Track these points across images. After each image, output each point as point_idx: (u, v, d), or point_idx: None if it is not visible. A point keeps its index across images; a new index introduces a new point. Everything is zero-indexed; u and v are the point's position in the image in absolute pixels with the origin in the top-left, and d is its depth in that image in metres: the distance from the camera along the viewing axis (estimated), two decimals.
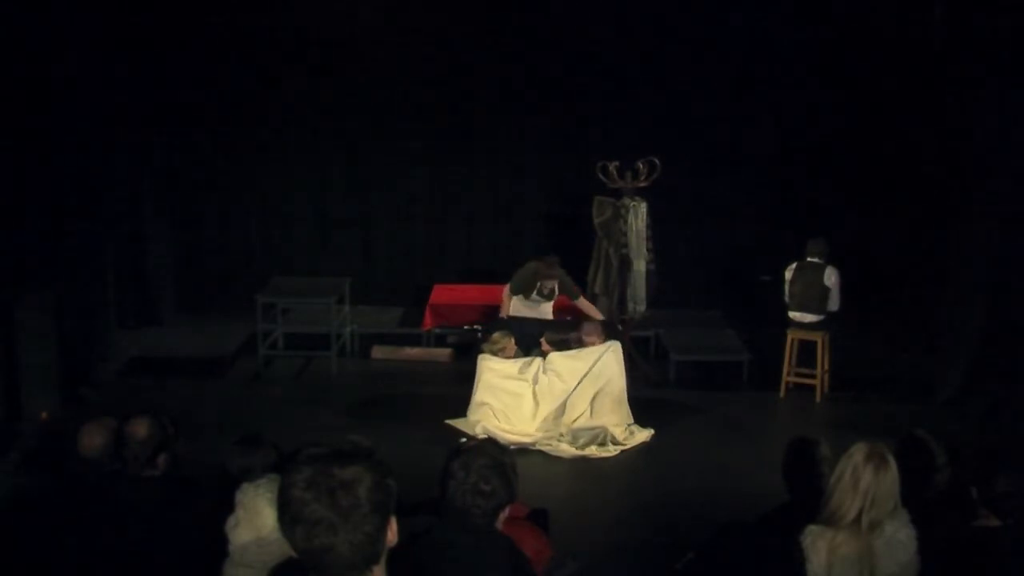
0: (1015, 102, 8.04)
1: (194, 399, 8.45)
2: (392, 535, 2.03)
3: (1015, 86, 8.01)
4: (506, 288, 8.79)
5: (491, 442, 3.42)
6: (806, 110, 10.51)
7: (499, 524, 3.13)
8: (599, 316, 8.66)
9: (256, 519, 3.17)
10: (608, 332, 8.33)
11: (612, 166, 8.97)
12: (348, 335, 10.21)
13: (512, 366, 8.05)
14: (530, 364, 8.07)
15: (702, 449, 7.83)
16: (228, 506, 3.28)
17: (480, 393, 7.92)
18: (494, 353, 8.07)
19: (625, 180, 8.98)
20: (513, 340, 8.17)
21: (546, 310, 8.81)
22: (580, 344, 8.15)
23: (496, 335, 8.22)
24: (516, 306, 8.73)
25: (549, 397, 7.95)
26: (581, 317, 8.70)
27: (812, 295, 8.66)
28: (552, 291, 8.60)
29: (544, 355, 8.15)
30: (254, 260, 11.03)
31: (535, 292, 8.60)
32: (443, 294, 10.36)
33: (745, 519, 4.28)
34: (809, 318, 8.75)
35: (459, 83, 10.78)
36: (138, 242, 10.50)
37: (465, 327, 10.24)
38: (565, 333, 8.44)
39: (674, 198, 9.99)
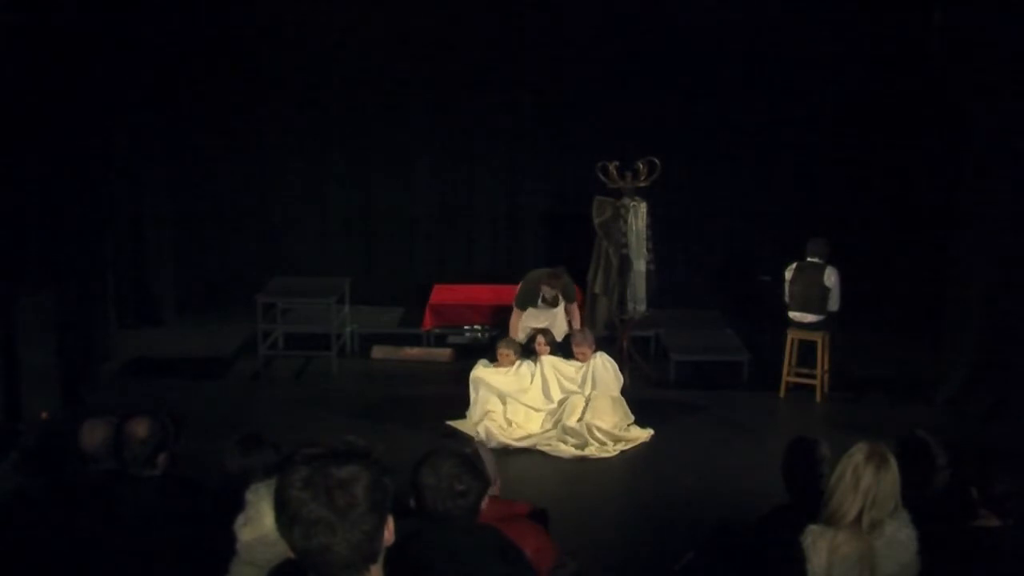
0: (1014, 105, 8.03)
1: (194, 399, 8.44)
2: (389, 534, 2.03)
3: (1013, 90, 8.01)
4: (514, 314, 8.67)
5: (452, 440, 3.47)
6: (806, 111, 10.52)
7: (483, 508, 3.17)
8: (577, 324, 8.66)
9: (262, 519, 3.16)
10: (598, 341, 8.39)
11: (612, 166, 8.97)
12: (348, 335, 10.21)
13: (508, 372, 8.08)
14: (526, 368, 8.11)
15: (702, 449, 7.83)
16: (228, 506, 3.28)
17: (481, 403, 7.94)
18: (498, 355, 8.12)
19: (625, 180, 8.97)
20: (515, 350, 8.19)
21: (560, 321, 8.81)
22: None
23: (501, 340, 8.27)
24: (530, 315, 8.69)
25: (547, 399, 7.99)
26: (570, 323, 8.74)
27: (812, 295, 8.65)
28: (556, 298, 8.62)
29: (539, 356, 8.19)
30: (254, 260, 11.02)
31: (540, 300, 8.61)
32: (443, 294, 10.36)
33: (745, 519, 4.28)
34: (809, 318, 8.74)
35: (459, 83, 10.78)
36: (138, 242, 10.50)
37: (465, 327, 10.25)
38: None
39: (674, 198, 9.98)
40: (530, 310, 8.64)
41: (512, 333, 8.54)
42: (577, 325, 8.63)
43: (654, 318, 9.67)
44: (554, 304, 8.62)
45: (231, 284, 10.81)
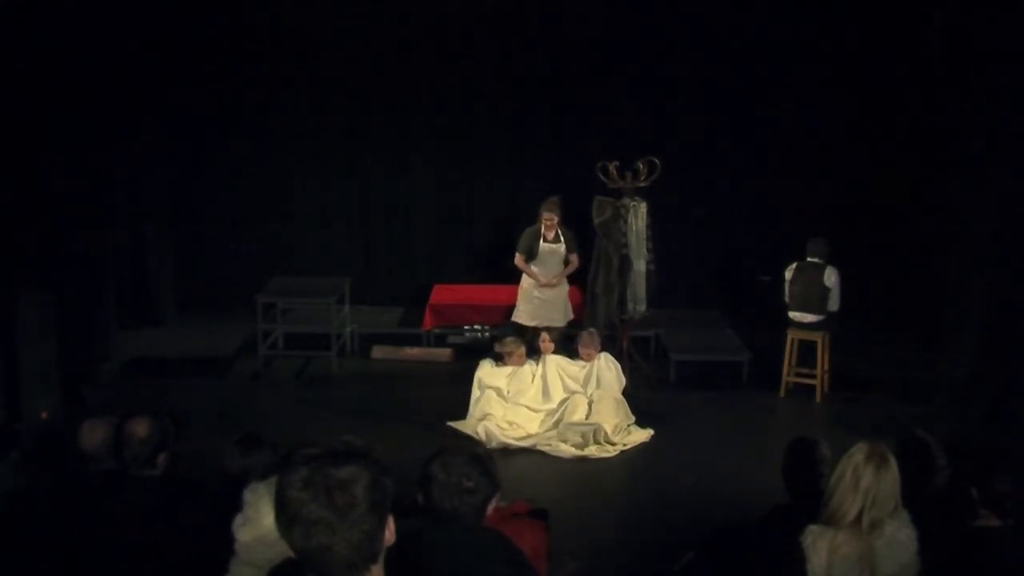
0: (1013, 106, 8.04)
1: (194, 399, 8.44)
2: (390, 534, 2.03)
3: (1012, 90, 8.01)
4: (517, 258, 8.89)
5: (465, 439, 3.45)
6: (806, 111, 10.52)
7: (488, 513, 3.15)
8: (574, 265, 8.90)
9: (261, 519, 3.16)
10: (603, 341, 8.42)
11: (612, 166, 8.97)
12: (348, 335, 10.21)
13: (510, 371, 8.08)
14: (528, 368, 8.11)
15: (702, 449, 7.83)
16: (228, 506, 3.28)
17: (481, 405, 7.93)
18: (503, 354, 8.12)
19: (625, 180, 8.98)
20: (524, 348, 8.19)
21: (563, 306, 8.83)
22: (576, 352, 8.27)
23: (509, 339, 8.27)
24: (533, 307, 8.76)
25: (548, 399, 7.99)
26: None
27: (812, 295, 8.65)
28: (557, 236, 8.73)
29: (543, 355, 8.20)
30: (254, 260, 11.01)
31: (541, 240, 8.73)
32: (443, 294, 10.36)
33: (745, 519, 4.28)
34: (809, 318, 8.74)
35: (459, 83, 10.78)
36: (138, 242, 10.50)
37: (465, 327, 10.25)
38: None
39: (674, 198, 9.98)
40: (532, 302, 8.70)
41: (524, 282, 8.84)
42: (575, 266, 8.83)
43: (654, 318, 9.67)
44: (556, 242, 8.75)
45: (231, 284, 10.80)
